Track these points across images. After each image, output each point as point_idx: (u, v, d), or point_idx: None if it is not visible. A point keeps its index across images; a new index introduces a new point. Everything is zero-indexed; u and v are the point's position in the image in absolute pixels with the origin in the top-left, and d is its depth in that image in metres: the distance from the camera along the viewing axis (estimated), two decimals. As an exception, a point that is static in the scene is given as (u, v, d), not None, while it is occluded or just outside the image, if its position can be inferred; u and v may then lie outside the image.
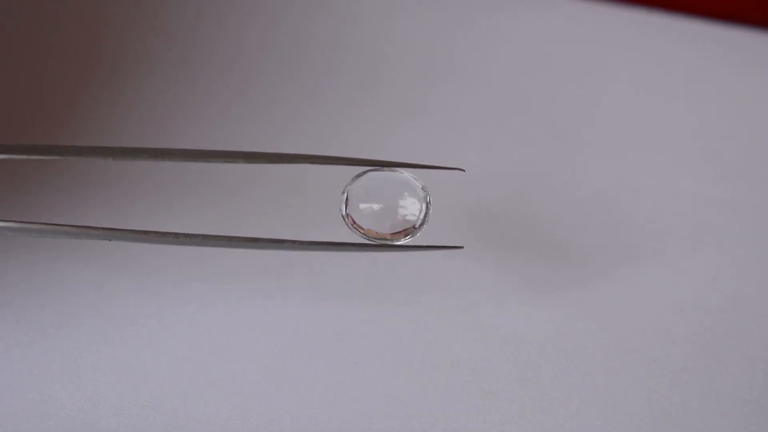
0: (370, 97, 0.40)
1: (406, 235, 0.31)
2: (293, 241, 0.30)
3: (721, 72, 0.41)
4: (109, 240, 0.29)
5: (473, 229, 0.36)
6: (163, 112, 0.39)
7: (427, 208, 0.31)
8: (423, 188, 0.31)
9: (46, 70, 0.40)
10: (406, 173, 0.31)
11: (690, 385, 0.32)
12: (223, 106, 0.39)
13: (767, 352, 0.33)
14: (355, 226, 0.31)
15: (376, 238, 0.31)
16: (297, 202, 0.37)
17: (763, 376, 0.33)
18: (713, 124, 0.40)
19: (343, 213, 0.31)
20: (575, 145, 0.39)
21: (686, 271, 0.35)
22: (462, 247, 0.31)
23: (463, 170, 0.31)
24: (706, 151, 0.39)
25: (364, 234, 0.31)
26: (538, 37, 0.42)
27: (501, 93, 0.40)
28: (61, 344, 0.32)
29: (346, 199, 0.31)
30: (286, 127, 0.39)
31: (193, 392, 0.32)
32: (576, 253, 0.36)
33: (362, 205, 0.30)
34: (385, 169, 0.31)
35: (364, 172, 0.31)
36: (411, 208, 0.30)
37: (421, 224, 0.31)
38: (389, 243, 0.31)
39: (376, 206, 0.30)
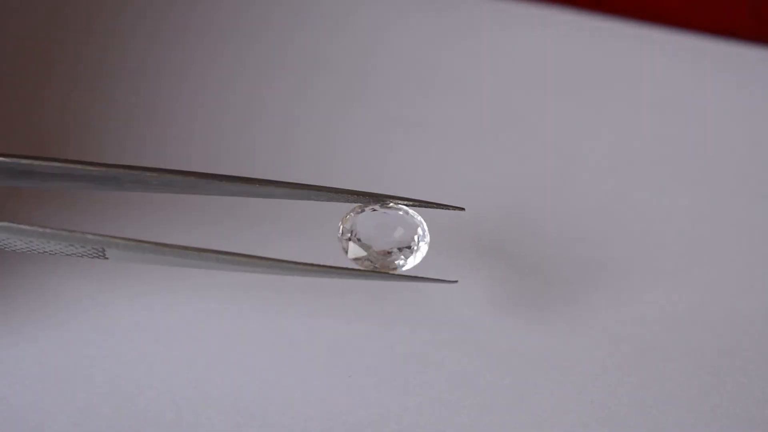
0: (364, 110, 0.40)
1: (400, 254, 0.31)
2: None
3: (717, 87, 0.41)
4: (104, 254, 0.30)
5: (468, 244, 0.36)
6: (151, 126, 0.39)
7: (419, 244, 0.31)
8: (420, 227, 0.31)
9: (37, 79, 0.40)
10: (402, 211, 0.31)
11: (686, 401, 0.32)
12: (211, 120, 0.39)
13: (765, 368, 0.33)
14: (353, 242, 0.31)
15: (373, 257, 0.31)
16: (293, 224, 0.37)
17: (760, 393, 0.33)
18: (709, 139, 0.40)
19: (341, 237, 0.31)
20: (571, 160, 0.39)
21: (682, 286, 0.35)
22: (456, 281, 0.32)
23: (463, 209, 0.32)
24: (702, 167, 0.39)
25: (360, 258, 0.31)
26: (534, 52, 0.42)
27: (497, 107, 0.40)
28: (54, 356, 0.32)
29: (342, 230, 0.31)
30: (274, 139, 0.39)
31: (187, 406, 0.32)
32: (571, 267, 0.36)
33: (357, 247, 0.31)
34: (381, 207, 0.31)
35: (362, 209, 0.31)
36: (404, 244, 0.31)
37: (415, 251, 0.31)
38: (383, 270, 0.31)
39: (371, 247, 0.31)
